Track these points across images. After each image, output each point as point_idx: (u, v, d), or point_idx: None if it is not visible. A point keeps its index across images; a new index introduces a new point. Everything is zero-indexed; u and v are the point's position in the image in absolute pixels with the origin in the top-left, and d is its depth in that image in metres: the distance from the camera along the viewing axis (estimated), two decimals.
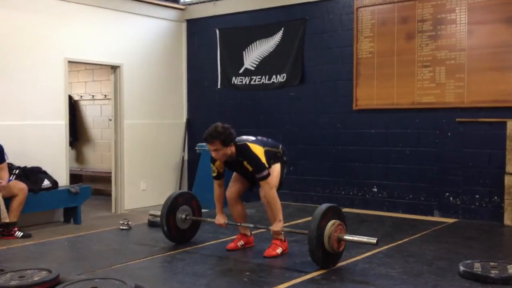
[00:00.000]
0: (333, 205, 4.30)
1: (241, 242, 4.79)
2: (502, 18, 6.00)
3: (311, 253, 4.07)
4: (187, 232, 5.05)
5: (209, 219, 4.98)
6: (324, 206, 4.19)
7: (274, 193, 4.41)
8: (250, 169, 4.40)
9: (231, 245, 4.77)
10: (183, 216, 4.95)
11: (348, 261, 4.37)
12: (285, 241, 4.64)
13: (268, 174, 4.38)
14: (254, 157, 4.38)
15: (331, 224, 4.09)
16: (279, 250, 4.53)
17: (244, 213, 4.83)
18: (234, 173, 4.80)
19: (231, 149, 4.36)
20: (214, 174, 4.64)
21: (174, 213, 4.89)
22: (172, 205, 4.89)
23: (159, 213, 4.96)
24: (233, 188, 4.75)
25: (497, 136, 6.00)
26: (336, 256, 4.22)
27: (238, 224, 4.73)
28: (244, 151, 4.40)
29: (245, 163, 4.40)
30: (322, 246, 4.05)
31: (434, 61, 6.41)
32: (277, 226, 4.41)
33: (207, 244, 5.04)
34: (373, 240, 4.09)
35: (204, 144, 7.79)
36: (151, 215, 5.36)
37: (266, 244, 4.68)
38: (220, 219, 4.72)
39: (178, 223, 4.94)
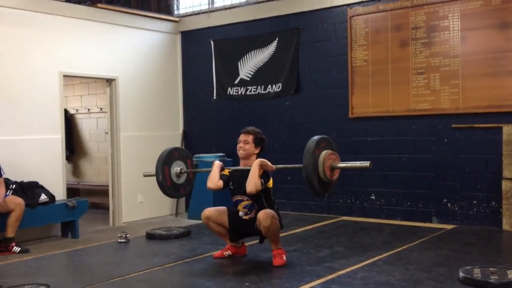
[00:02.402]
0: (325, 136, 4.47)
1: (228, 252, 4.88)
2: (494, 23, 6.03)
3: (307, 181, 4.18)
4: (181, 187, 5.10)
5: (204, 170, 5.01)
6: (316, 137, 4.33)
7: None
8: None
9: (217, 254, 4.90)
10: (178, 169, 5.00)
11: (348, 269, 4.37)
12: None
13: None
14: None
15: (324, 153, 4.26)
16: (285, 257, 4.61)
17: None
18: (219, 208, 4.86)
19: (254, 154, 4.68)
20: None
21: (169, 166, 4.96)
22: (168, 158, 4.96)
23: (153, 172, 5.00)
24: (213, 212, 4.78)
25: (493, 141, 6.02)
26: (330, 185, 4.36)
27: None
28: None
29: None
30: (317, 174, 4.18)
31: (429, 68, 6.43)
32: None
33: (205, 255, 5.02)
34: (366, 164, 4.20)
35: (201, 155, 7.92)
36: (145, 174, 5.33)
37: (264, 255, 4.68)
38: (217, 163, 4.77)
39: (172, 177, 4.98)
